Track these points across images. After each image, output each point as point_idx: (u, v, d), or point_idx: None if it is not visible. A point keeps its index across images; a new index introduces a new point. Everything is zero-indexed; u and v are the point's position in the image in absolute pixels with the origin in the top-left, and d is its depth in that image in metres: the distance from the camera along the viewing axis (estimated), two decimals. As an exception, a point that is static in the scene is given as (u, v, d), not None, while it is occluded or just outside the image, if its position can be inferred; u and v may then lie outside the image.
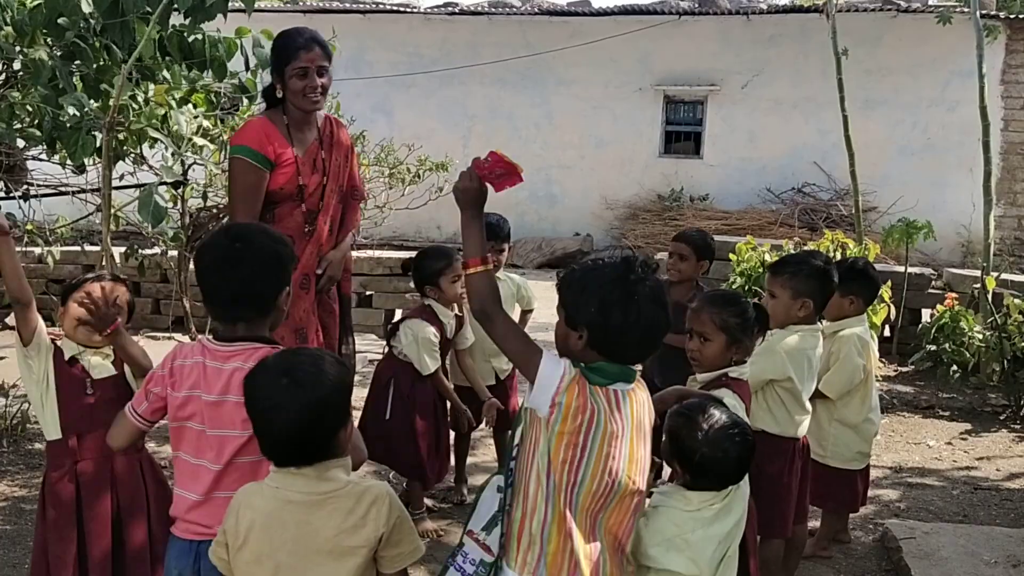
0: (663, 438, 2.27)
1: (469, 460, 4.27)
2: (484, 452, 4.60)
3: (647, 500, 2.30)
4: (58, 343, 2.55)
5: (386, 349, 3.84)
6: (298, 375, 1.81)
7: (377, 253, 8.66)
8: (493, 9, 14.49)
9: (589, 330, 1.97)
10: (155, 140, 3.81)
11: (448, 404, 3.84)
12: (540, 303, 4.21)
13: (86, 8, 3.20)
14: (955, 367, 5.85)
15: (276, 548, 1.82)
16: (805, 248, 4.85)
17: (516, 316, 4.08)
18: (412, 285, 3.85)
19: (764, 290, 3.29)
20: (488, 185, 2.07)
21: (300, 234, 3.21)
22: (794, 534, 3.09)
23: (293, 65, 3.10)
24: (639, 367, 2.12)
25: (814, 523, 3.66)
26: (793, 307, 2.96)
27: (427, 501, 3.94)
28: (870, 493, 4.36)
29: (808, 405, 3.06)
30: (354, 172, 3.55)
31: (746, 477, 2.31)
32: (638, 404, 2.05)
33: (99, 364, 2.56)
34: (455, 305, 3.78)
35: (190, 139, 3.65)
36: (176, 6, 3.24)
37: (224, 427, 2.03)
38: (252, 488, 1.90)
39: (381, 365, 3.87)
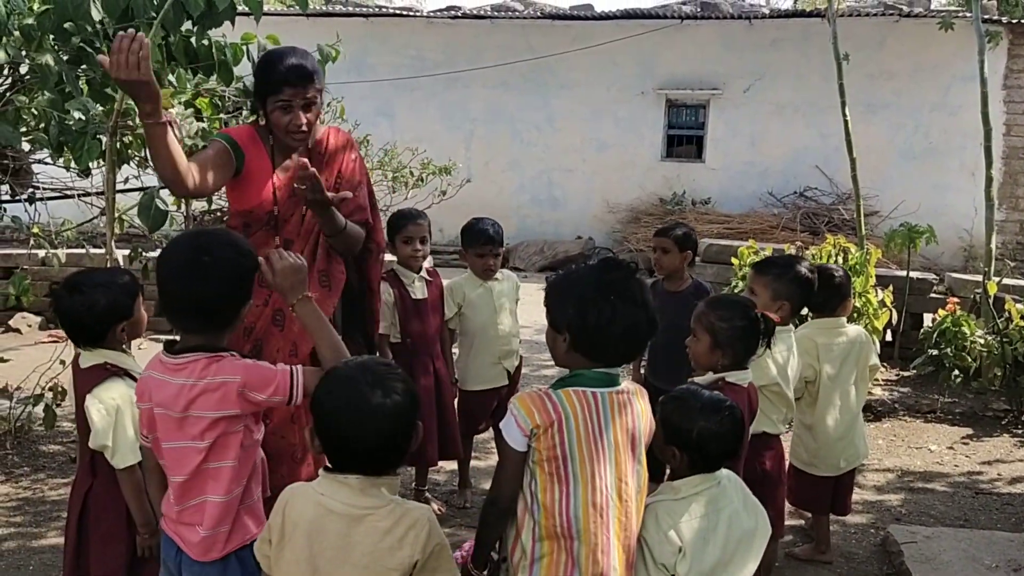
0: (656, 429, 2.25)
1: (472, 464, 4.28)
2: (487, 456, 4.60)
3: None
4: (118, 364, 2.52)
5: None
6: (387, 384, 1.83)
7: (380, 256, 8.65)
8: (495, 13, 14.51)
9: (570, 332, 2.01)
10: (160, 144, 3.82)
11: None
12: (537, 307, 4.21)
13: (96, 15, 3.21)
14: (957, 372, 5.85)
15: (315, 554, 1.83)
16: (792, 253, 4.85)
17: (513, 312, 4.08)
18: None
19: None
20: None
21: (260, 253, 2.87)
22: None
23: (276, 98, 2.77)
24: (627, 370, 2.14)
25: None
26: (771, 307, 2.99)
27: (435, 505, 3.96)
28: (872, 497, 4.40)
29: (792, 401, 3.22)
30: (360, 199, 3.02)
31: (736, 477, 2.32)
32: (625, 408, 2.06)
33: None
34: (424, 270, 3.82)
35: (195, 143, 3.66)
36: (188, 11, 3.25)
37: (177, 439, 2.04)
38: (299, 489, 1.91)
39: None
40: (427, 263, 3.95)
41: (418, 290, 3.79)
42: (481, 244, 3.89)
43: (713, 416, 2.20)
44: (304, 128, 2.81)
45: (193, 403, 2.00)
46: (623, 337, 2.02)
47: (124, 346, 2.59)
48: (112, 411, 2.43)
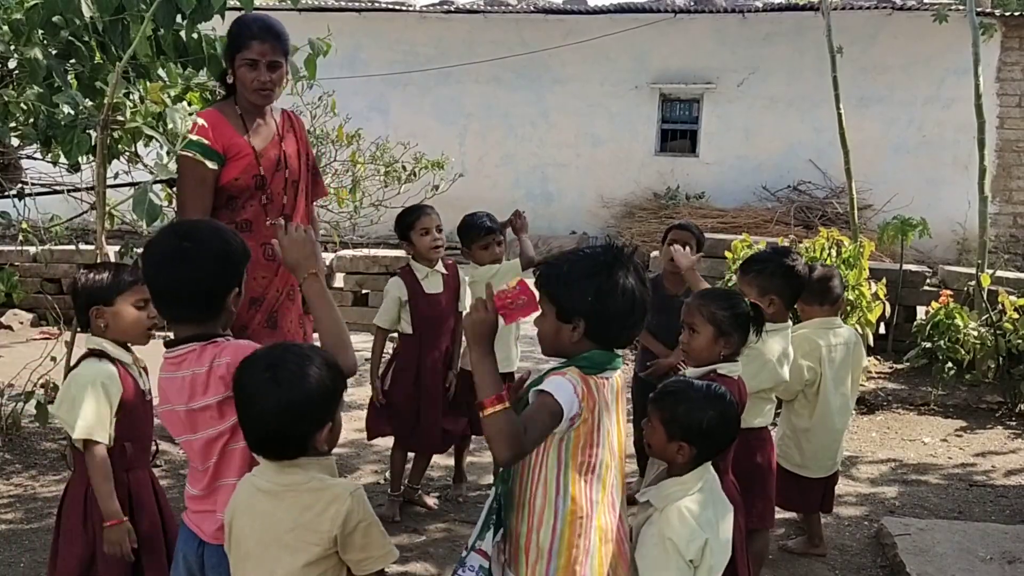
0: (653, 427, 2.24)
1: (468, 459, 4.27)
2: (483, 451, 4.60)
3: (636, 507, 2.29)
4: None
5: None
6: (280, 372, 1.82)
7: (372, 251, 8.68)
8: (489, 7, 14.47)
9: (586, 320, 1.98)
10: (150, 138, 3.80)
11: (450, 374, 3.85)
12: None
13: (86, 11, 3.18)
14: (950, 364, 5.86)
15: (246, 536, 1.88)
16: (779, 245, 4.77)
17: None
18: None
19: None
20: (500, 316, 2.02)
21: (262, 230, 3.01)
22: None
23: (243, 55, 2.96)
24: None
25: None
26: (761, 304, 2.98)
27: (429, 500, 3.95)
28: (865, 490, 4.41)
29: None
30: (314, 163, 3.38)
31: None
32: (621, 390, 2.10)
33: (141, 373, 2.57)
34: (440, 263, 3.80)
35: (186, 137, 3.63)
36: (180, 7, 3.23)
37: (198, 430, 2.04)
38: (245, 478, 1.96)
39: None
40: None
41: (432, 284, 3.75)
42: (483, 236, 3.93)
43: (719, 404, 2.22)
44: (268, 86, 2.99)
45: (200, 393, 2.00)
46: (636, 319, 2.03)
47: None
48: (79, 387, 2.42)
